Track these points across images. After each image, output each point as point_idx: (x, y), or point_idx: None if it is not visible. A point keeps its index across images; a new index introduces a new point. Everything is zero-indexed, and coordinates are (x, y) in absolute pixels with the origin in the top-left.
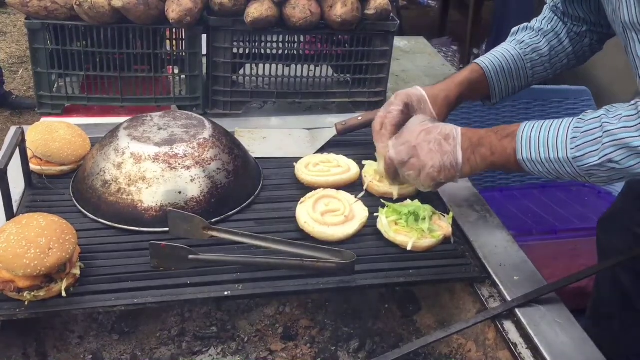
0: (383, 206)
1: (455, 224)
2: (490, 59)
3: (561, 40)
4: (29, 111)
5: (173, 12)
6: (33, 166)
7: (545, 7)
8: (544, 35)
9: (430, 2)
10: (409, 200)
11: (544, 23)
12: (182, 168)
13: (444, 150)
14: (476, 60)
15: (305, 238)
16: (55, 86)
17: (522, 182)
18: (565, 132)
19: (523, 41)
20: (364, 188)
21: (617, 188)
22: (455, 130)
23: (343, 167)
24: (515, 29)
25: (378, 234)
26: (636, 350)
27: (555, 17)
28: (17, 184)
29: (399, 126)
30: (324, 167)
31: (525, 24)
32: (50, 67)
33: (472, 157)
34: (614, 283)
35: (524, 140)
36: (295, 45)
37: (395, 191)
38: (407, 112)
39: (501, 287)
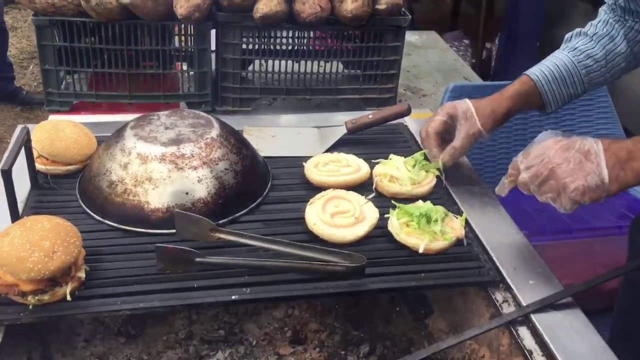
0: (394, 207)
1: (468, 226)
2: (542, 69)
3: (617, 43)
4: (40, 107)
5: (181, 7)
6: (39, 166)
7: (600, 9)
8: (597, 41)
9: None
10: (420, 202)
11: (599, 27)
12: (189, 168)
13: (586, 170)
14: (526, 72)
15: (314, 240)
16: (64, 83)
17: None
18: None
19: (576, 48)
20: (374, 188)
21: (637, 187)
22: (596, 145)
23: (353, 166)
24: (568, 35)
25: (389, 235)
26: None
27: (612, 19)
28: (22, 184)
29: (440, 135)
30: (334, 167)
31: (579, 30)
32: (58, 64)
33: (621, 174)
34: None
35: None
36: (305, 41)
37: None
38: (451, 122)
39: (516, 291)
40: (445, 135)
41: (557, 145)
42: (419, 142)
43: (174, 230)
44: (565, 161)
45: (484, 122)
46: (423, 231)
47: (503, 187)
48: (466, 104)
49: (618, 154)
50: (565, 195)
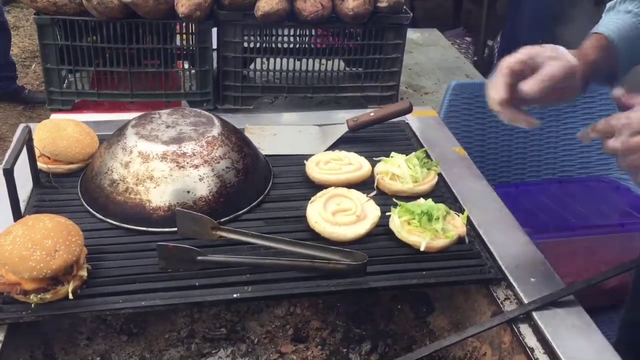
0: (395, 205)
1: (469, 224)
2: (608, 27)
3: None
4: (42, 106)
5: (183, 6)
6: (41, 165)
7: None
8: None
9: None
10: (422, 199)
11: None
12: (190, 167)
13: None
14: (597, 30)
15: (315, 238)
16: (65, 82)
17: (538, 177)
18: None
19: (631, 11)
20: (375, 186)
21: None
22: None
23: (354, 164)
24: (610, 3)
25: (390, 233)
26: None
27: None
28: (24, 183)
29: (515, 75)
30: (335, 165)
31: (608, 5)
32: (60, 63)
33: None
34: None
35: None
36: (307, 39)
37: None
38: (530, 62)
39: (517, 289)
40: (519, 81)
41: None
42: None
43: (175, 229)
44: None
45: (577, 60)
46: (424, 229)
47: (587, 136)
48: (551, 45)
49: None
50: None
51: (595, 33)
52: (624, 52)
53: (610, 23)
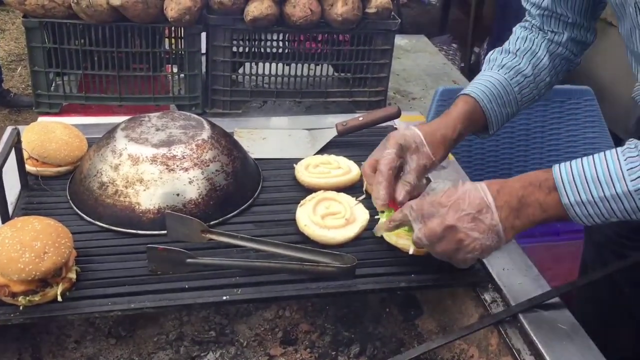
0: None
1: None
2: (480, 88)
3: (540, 57)
4: (28, 109)
5: (172, 10)
6: (29, 167)
7: (515, 28)
8: (522, 56)
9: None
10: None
11: (518, 43)
12: (180, 170)
13: (481, 228)
14: (464, 91)
15: (305, 241)
16: (53, 85)
17: None
18: (616, 164)
19: (504, 65)
20: (364, 190)
21: None
22: (486, 197)
23: (344, 168)
24: (490, 54)
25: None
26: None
27: (530, 35)
28: (12, 186)
29: (394, 169)
30: (325, 169)
31: (499, 48)
32: (47, 65)
33: (515, 223)
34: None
35: (567, 182)
36: (296, 44)
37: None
38: (401, 154)
39: (504, 291)
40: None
41: (447, 200)
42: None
43: (165, 232)
44: (459, 221)
45: (436, 151)
46: (413, 233)
47: (380, 229)
48: (414, 132)
49: (510, 203)
50: (463, 254)
51: (464, 94)
52: (493, 110)
53: (480, 82)
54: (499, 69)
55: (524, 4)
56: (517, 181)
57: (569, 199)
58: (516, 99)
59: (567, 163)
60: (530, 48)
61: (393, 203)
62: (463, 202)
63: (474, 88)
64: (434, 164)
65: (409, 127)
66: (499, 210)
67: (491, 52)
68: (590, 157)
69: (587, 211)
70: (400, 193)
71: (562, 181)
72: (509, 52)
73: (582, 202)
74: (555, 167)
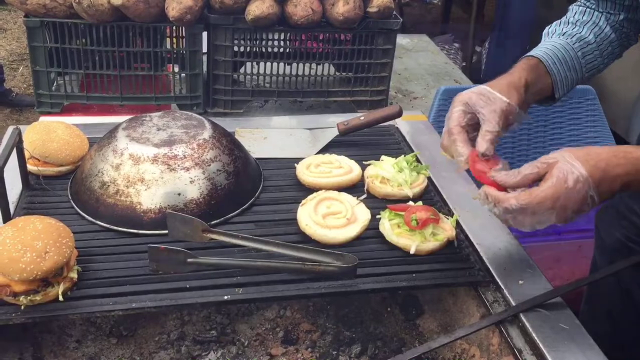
0: (385, 208)
1: (459, 227)
2: (543, 50)
3: (602, 28)
4: (29, 109)
5: (173, 9)
6: (30, 167)
7: (571, 6)
8: (583, 25)
9: None
10: (411, 203)
11: (577, 16)
12: (181, 169)
13: (581, 212)
14: (527, 55)
15: (306, 241)
16: (55, 85)
17: None
18: None
19: (565, 33)
20: (365, 189)
21: None
22: (590, 191)
23: (345, 168)
24: (548, 28)
25: (380, 236)
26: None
27: (588, 10)
28: (14, 185)
29: (465, 128)
30: (326, 168)
31: (558, 21)
32: (49, 65)
33: (609, 197)
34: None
35: None
36: (297, 43)
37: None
38: (470, 110)
39: (505, 291)
40: (469, 129)
41: (557, 205)
42: (441, 148)
43: (166, 231)
44: (562, 215)
45: (509, 95)
46: (414, 232)
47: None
48: (480, 87)
49: (612, 189)
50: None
51: (526, 57)
52: (558, 71)
53: (542, 47)
54: (560, 36)
55: None
56: (619, 166)
57: None
58: (580, 65)
59: None
60: (591, 19)
61: (474, 159)
62: (568, 203)
63: (537, 50)
64: (511, 109)
65: (476, 86)
66: (600, 195)
67: (548, 26)
68: None
69: None
70: (483, 144)
71: None
72: (569, 23)
73: None
74: None
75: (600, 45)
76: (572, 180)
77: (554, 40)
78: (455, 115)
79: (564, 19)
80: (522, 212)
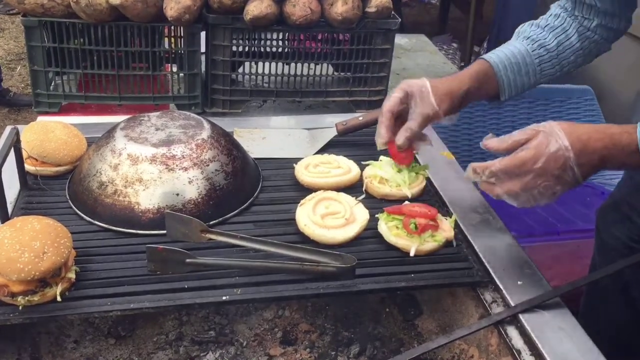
0: (383, 210)
1: (457, 227)
2: (498, 54)
3: (569, 36)
4: (27, 108)
5: (171, 9)
6: (28, 167)
7: (552, 5)
8: (550, 31)
9: None
10: (407, 203)
11: (550, 20)
12: (179, 169)
13: (561, 182)
14: (483, 56)
15: (305, 241)
16: (52, 84)
17: None
18: None
19: (529, 37)
20: (364, 189)
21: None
22: (570, 161)
23: (343, 168)
24: (520, 26)
25: (379, 237)
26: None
27: (564, 13)
28: (12, 185)
29: (394, 114)
30: (324, 168)
31: (531, 22)
32: (47, 65)
33: (592, 173)
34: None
35: None
36: (295, 43)
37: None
38: (406, 100)
39: (504, 291)
40: (400, 116)
41: (535, 168)
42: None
43: (164, 231)
44: (542, 181)
45: (440, 102)
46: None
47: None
48: (423, 82)
49: (592, 162)
50: (540, 202)
51: (480, 59)
52: (507, 77)
53: (500, 51)
54: (524, 40)
55: None
56: (599, 140)
57: None
58: (535, 71)
59: None
60: (561, 25)
61: (392, 145)
62: (548, 166)
63: (492, 54)
64: (437, 115)
65: (421, 78)
66: (580, 168)
67: (523, 24)
68: None
69: None
70: (400, 138)
71: None
72: (538, 27)
73: None
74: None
75: (561, 54)
76: (554, 145)
77: (515, 45)
78: (392, 102)
79: (538, 20)
80: (507, 175)
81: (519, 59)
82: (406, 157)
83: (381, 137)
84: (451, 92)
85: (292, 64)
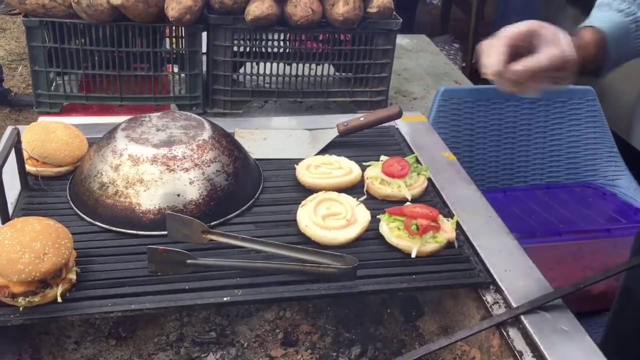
0: (384, 211)
1: (459, 228)
2: (604, 22)
3: None
4: (28, 109)
5: (173, 10)
6: (29, 167)
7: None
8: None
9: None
10: (408, 204)
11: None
12: (180, 170)
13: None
14: (589, 24)
15: (306, 242)
16: (54, 85)
17: (526, 183)
18: None
19: (622, 10)
20: (365, 190)
21: (623, 190)
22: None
23: (345, 169)
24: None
25: (380, 237)
26: None
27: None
28: (12, 186)
29: (511, 47)
30: (326, 169)
31: (600, 1)
32: (48, 65)
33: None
34: None
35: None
36: (297, 43)
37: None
38: (530, 40)
39: (506, 293)
40: (514, 54)
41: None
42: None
43: (165, 232)
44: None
45: (573, 52)
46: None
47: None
48: (555, 28)
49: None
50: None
51: (592, 27)
52: (613, 50)
53: (605, 19)
54: (617, 13)
55: None
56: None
57: None
58: (629, 47)
59: None
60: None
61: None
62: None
63: (599, 23)
64: (568, 63)
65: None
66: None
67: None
68: None
69: None
70: (521, 62)
71: None
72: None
73: None
74: None
75: None
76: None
77: (613, 15)
78: (514, 30)
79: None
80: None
81: (619, 31)
82: (402, 168)
83: (491, 65)
84: (584, 49)
85: (294, 65)
